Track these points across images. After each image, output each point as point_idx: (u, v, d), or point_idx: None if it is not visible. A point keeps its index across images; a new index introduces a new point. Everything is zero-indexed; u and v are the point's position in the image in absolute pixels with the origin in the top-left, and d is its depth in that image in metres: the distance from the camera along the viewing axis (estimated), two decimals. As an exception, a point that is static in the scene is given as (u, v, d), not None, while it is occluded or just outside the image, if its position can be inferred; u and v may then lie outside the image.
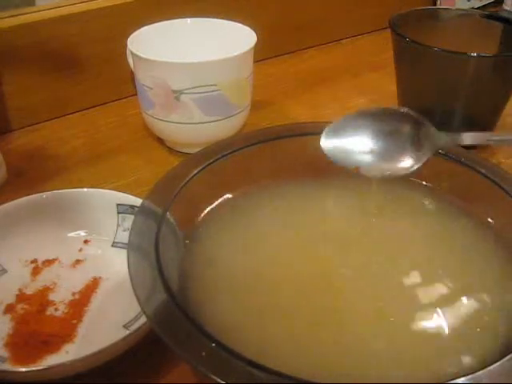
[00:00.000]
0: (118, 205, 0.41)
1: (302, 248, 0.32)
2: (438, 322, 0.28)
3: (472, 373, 0.22)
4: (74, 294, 0.38)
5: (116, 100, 0.62)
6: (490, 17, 0.55)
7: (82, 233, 0.42)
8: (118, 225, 0.41)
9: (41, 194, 0.42)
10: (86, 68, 0.59)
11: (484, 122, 0.55)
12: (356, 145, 0.32)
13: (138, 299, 0.24)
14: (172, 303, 0.24)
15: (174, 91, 0.48)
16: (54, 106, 0.59)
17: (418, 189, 0.36)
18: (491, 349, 0.26)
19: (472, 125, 0.55)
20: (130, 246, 0.27)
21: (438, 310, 0.28)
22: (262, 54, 0.58)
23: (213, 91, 0.48)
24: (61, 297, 0.37)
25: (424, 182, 0.36)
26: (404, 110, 0.31)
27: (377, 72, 0.69)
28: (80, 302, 0.37)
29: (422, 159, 0.31)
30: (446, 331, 0.27)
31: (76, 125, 0.58)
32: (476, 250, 0.32)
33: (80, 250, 0.41)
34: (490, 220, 0.33)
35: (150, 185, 0.31)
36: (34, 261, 0.40)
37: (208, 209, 0.34)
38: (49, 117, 0.59)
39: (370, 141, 0.32)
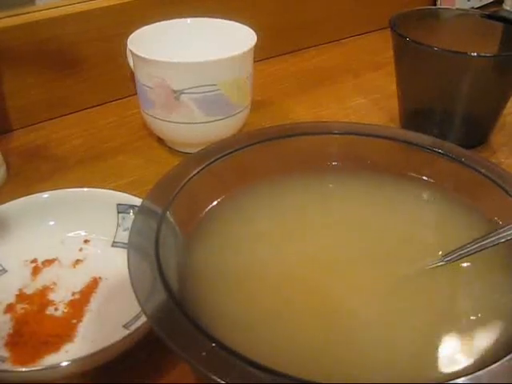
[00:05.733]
0: (117, 204, 0.41)
1: (303, 247, 0.32)
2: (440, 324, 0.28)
3: (472, 373, 0.22)
4: (73, 293, 0.38)
5: (116, 100, 0.62)
6: (490, 17, 0.55)
7: (82, 233, 0.42)
8: (117, 224, 0.41)
9: (41, 193, 0.42)
10: (86, 68, 0.59)
11: (484, 121, 0.55)
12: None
13: (138, 299, 0.24)
14: (172, 303, 0.24)
15: (174, 91, 0.48)
16: (53, 106, 0.59)
17: (418, 186, 0.36)
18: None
19: (472, 125, 0.55)
20: (129, 246, 0.27)
21: (440, 310, 0.28)
22: (262, 53, 0.58)
23: (213, 91, 0.48)
24: (61, 296, 0.37)
25: (425, 178, 0.36)
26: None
27: (377, 72, 0.69)
28: (80, 302, 0.37)
29: None
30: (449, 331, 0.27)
31: (76, 124, 0.58)
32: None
33: (80, 249, 0.41)
34: (491, 218, 0.33)
35: (149, 184, 0.31)
36: (34, 261, 0.40)
37: (208, 208, 0.34)
38: (49, 116, 0.59)
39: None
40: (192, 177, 0.32)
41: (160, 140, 0.55)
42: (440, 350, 0.26)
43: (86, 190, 0.42)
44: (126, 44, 0.50)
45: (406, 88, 0.55)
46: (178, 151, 0.54)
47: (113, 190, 0.43)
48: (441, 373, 0.25)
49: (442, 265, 0.30)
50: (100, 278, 0.39)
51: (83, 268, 0.40)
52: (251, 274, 0.30)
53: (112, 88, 0.61)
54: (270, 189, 0.36)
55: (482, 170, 0.33)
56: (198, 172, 0.33)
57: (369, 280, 0.30)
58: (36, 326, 0.35)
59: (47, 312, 0.36)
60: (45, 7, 0.57)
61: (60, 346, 0.34)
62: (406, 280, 0.30)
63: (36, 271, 0.39)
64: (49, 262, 0.40)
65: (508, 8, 0.79)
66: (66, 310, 0.36)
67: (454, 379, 0.22)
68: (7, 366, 0.32)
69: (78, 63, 0.59)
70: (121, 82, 0.61)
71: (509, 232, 0.29)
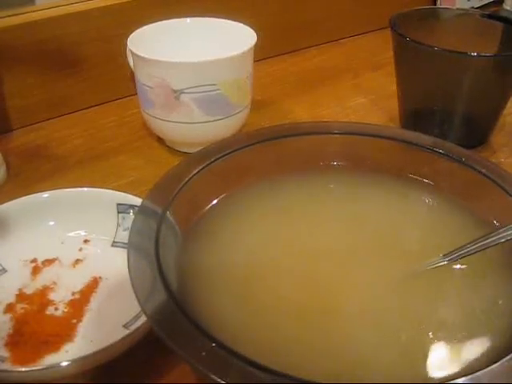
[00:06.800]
0: (117, 204, 0.41)
1: (303, 247, 0.32)
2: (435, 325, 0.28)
3: (472, 373, 0.22)
4: (73, 293, 0.38)
5: (116, 99, 0.62)
6: (490, 16, 0.55)
7: (82, 232, 0.42)
8: (117, 224, 0.41)
9: (41, 193, 0.42)
10: (86, 68, 0.59)
11: (484, 121, 0.55)
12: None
13: (138, 299, 0.24)
14: (172, 303, 0.24)
15: (174, 91, 0.48)
16: (53, 106, 0.59)
17: (418, 186, 0.36)
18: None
19: (472, 125, 0.55)
20: (129, 246, 0.27)
21: (437, 310, 0.28)
22: (262, 53, 0.58)
23: (213, 91, 0.48)
24: (61, 296, 0.37)
25: (425, 180, 0.36)
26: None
27: (377, 72, 0.69)
28: (80, 302, 0.37)
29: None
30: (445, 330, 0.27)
31: (76, 124, 0.58)
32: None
33: (80, 249, 0.41)
34: (491, 218, 0.33)
35: (149, 184, 0.31)
36: (34, 260, 0.40)
37: (208, 208, 0.34)
38: (49, 116, 0.59)
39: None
40: (192, 177, 0.32)
41: (160, 140, 0.55)
42: (439, 349, 0.26)
43: (86, 189, 0.42)
44: (126, 44, 0.50)
45: (406, 88, 0.55)
46: (178, 151, 0.54)
47: (113, 189, 0.43)
48: (440, 373, 0.25)
49: (442, 265, 0.30)
50: (100, 277, 0.39)
51: (83, 268, 0.40)
52: (251, 274, 0.30)
53: (112, 88, 0.61)
54: (269, 189, 0.36)
55: (482, 170, 0.33)
56: (198, 172, 0.33)
57: (368, 279, 0.30)
58: (36, 325, 0.35)
59: (47, 312, 0.36)
60: (45, 7, 0.57)
61: (60, 345, 0.34)
62: (405, 280, 0.30)
63: (36, 271, 0.39)
64: (49, 262, 0.40)
65: (508, 8, 0.79)
66: (66, 310, 0.36)
67: (454, 379, 0.22)
68: (7, 366, 0.32)
69: (78, 63, 0.59)
70: (121, 81, 0.61)
71: (509, 232, 0.29)
